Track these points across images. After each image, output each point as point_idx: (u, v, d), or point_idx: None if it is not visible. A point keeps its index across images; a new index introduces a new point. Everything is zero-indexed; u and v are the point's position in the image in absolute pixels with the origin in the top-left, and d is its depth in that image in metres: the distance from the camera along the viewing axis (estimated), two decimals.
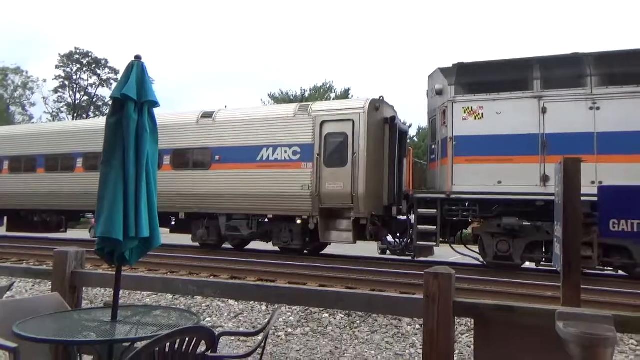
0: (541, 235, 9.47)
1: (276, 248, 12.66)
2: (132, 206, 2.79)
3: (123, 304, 6.29)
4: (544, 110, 9.65)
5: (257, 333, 3.18)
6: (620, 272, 9.77)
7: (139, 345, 2.31)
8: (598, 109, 9.33)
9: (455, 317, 5.68)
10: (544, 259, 9.73)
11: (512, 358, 2.47)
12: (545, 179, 9.33)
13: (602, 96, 9.35)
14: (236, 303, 6.77)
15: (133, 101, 2.92)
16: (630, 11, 74.46)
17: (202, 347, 2.53)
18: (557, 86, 9.70)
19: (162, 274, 8.87)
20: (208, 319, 6.42)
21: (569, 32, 74.22)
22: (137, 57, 3.08)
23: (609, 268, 9.70)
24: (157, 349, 2.23)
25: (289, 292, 2.98)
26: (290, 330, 5.97)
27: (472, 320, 2.89)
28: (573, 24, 77.76)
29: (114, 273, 3.03)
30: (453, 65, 10.86)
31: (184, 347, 2.33)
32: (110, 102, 3.32)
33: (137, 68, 3.01)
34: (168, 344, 2.26)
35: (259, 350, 2.93)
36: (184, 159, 12.89)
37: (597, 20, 78.78)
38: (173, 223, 13.43)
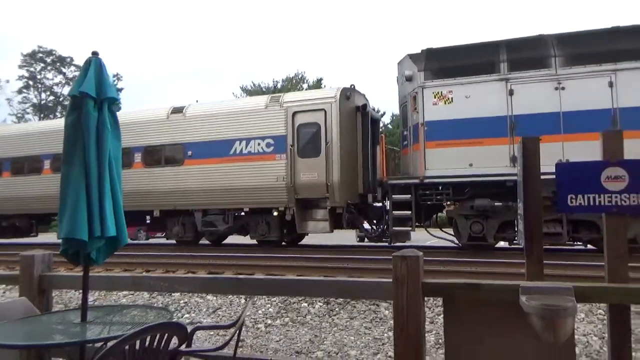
0: (512, 215, 9.68)
1: (254, 241, 12.64)
2: (96, 205, 2.74)
3: (99, 305, 6.23)
4: (511, 92, 9.83)
5: (231, 325, 3.18)
6: (589, 246, 10.10)
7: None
8: (563, 89, 9.54)
9: (432, 299, 5.79)
10: (516, 238, 9.96)
11: (479, 332, 2.54)
12: (514, 159, 9.52)
13: (566, 76, 9.56)
14: (214, 298, 6.75)
15: (92, 98, 2.86)
16: None
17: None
18: (523, 68, 9.88)
19: (138, 273, 8.77)
20: (187, 315, 6.40)
21: (536, 13, 75.45)
22: (94, 54, 3.02)
23: (578, 243, 10.01)
24: (127, 346, 2.21)
25: (259, 283, 2.99)
26: (269, 321, 5.99)
27: None
28: (540, 6, 79.04)
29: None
30: (422, 51, 10.95)
31: (156, 343, 2.32)
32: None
33: (94, 65, 2.95)
34: (139, 341, 2.25)
35: (235, 342, 2.94)
36: (155, 155, 12.71)
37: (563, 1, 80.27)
38: (148, 221, 13.26)
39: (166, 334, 2.34)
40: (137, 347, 2.24)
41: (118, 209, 2.92)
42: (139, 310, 3.44)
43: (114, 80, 41.02)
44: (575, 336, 5.01)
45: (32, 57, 45.92)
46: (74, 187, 2.75)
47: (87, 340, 2.59)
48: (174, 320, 2.84)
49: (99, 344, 2.73)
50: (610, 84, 9.23)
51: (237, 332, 2.84)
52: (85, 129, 2.81)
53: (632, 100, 9.05)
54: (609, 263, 2.52)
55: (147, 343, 2.27)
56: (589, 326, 5.31)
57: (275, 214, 11.60)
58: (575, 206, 2.57)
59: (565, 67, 9.60)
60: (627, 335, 2.49)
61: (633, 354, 4.52)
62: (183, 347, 2.68)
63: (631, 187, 2.51)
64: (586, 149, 8.79)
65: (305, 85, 39.49)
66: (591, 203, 2.54)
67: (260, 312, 6.23)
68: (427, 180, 10.22)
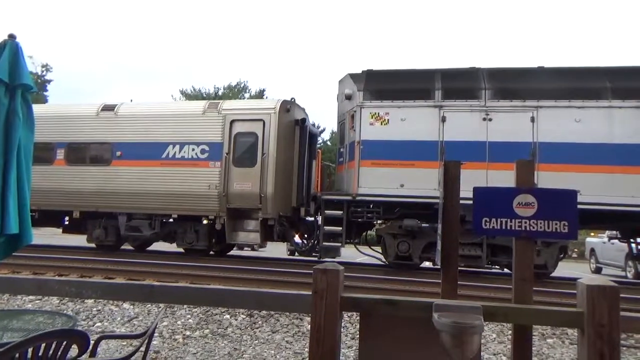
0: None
1: (180, 249, 12.22)
2: None
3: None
4: (443, 119, 10.26)
5: (142, 335, 3.02)
6: (506, 270, 10.67)
7: None
8: (490, 120, 10.10)
9: (356, 315, 5.81)
10: None
11: (393, 348, 2.58)
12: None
13: (493, 108, 10.14)
14: (131, 307, 6.38)
15: (4, 84, 2.65)
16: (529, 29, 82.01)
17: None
18: (456, 97, 10.36)
19: (50, 277, 8.16)
20: (98, 324, 6.00)
21: (475, 44, 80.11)
22: (11, 37, 2.82)
23: (496, 266, 10.56)
24: (17, 355, 2.02)
25: (174, 292, 2.86)
26: (188, 333, 5.76)
27: None
28: (481, 36, 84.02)
29: None
30: (362, 71, 11.22)
31: (51, 352, 2.14)
32: None
33: (9, 48, 2.75)
34: (30, 350, 2.07)
35: (143, 353, 2.79)
36: (80, 153, 12.00)
37: (497, 34, 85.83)
38: (66, 222, 12.45)
39: (64, 342, 2.17)
40: (29, 355, 2.06)
41: (24, 205, 2.70)
42: (38, 316, 3.18)
43: (43, 71, 38.54)
44: (486, 356, 5.25)
45: None
46: None
47: None
48: (76, 327, 2.64)
49: None
50: (532, 119, 9.90)
51: (147, 341, 2.69)
52: None
53: (550, 136, 9.77)
54: (516, 285, 2.66)
55: (40, 352, 2.09)
56: (499, 346, 5.57)
57: (205, 222, 11.31)
58: (489, 229, 2.69)
59: (493, 99, 10.19)
60: (528, 354, 2.63)
61: None
62: (84, 357, 2.50)
63: (539, 214, 2.67)
64: (509, 178, 9.31)
65: (247, 95, 39.14)
66: (503, 227, 2.68)
67: (179, 322, 5.98)
68: (359, 198, 10.39)
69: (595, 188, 9.22)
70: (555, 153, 9.63)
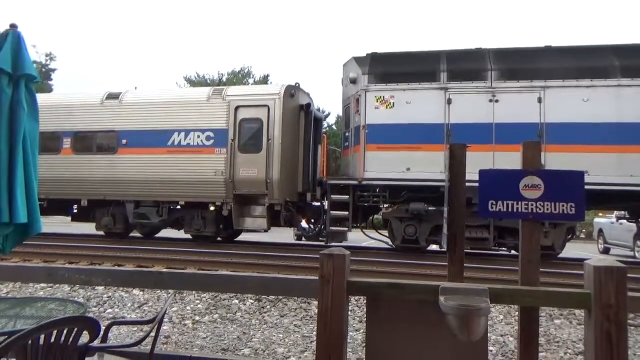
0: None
1: (188, 236, 12.31)
2: (5, 189, 2.54)
3: (11, 297, 5.80)
4: (449, 101, 10.17)
5: (151, 321, 3.06)
6: (513, 252, 10.66)
7: None
8: (497, 101, 10.00)
9: (362, 298, 5.85)
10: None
11: (400, 331, 2.59)
12: None
13: (500, 89, 10.02)
14: (141, 293, 6.46)
15: (7, 74, 2.65)
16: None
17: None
18: (461, 79, 10.24)
19: (60, 265, 8.26)
20: (109, 310, 6.09)
21: (480, 24, 78.98)
22: (13, 26, 2.80)
23: (503, 248, 10.55)
24: (29, 342, 2.05)
25: (182, 278, 2.89)
26: (197, 317, 5.83)
27: None
28: (487, 18, 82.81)
29: None
30: (367, 54, 11.11)
31: (62, 338, 2.17)
32: None
33: (12, 38, 2.73)
34: (42, 337, 2.10)
35: (154, 338, 2.83)
36: (86, 142, 12.07)
37: (503, 15, 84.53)
38: (75, 210, 12.57)
39: (75, 329, 2.20)
40: (41, 342, 2.10)
41: (31, 194, 2.72)
42: (57, 304, 3.22)
43: (47, 60, 38.53)
44: (493, 337, 5.27)
45: None
46: None
47: None
48: (86, 314, 2.68)
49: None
50: (539, 100, 9.78)
51: (156, 327, 2.73)
52: None
53: (557, 117, 9.66)
54: (522, 267, 2.66)
55: (52, 338, 2.13)
56: (506, 327, 5.59)
57: (212, 208, 11.38)
58: (495, 211, 2.68)
59: (499, 80, 10.06)
60: (535, 335, 2.64)
61: (544, 353, 4.81)
62: (96, 343, 2.53)
63: (546, 196, 2.65)
64: (515, 160, 9.25)
65: (251, 80, 38.90)
66: (509, 209, 2.66)
67: (188, 308, 6.05)
68: (365, 182, 10.38)
69: (603, 168, 9.15)
70: (562, 133, 9.53)
